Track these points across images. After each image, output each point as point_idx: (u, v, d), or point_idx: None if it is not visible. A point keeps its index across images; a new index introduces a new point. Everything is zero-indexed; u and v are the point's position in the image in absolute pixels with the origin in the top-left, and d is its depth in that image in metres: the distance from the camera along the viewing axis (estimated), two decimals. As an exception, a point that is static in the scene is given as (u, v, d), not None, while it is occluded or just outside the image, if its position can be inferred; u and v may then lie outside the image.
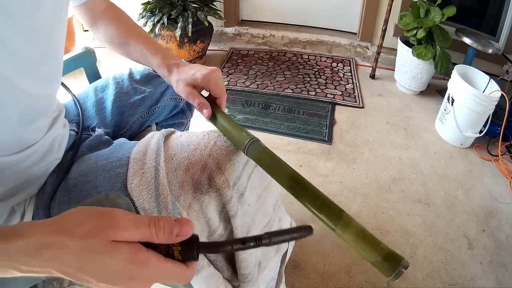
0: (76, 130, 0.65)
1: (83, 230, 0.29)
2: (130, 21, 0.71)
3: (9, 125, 0.46)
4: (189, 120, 0.92)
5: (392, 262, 0.41)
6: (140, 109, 0.75)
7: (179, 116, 0.88)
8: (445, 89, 1.59)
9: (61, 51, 0.56)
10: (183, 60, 0.68)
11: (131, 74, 0.76)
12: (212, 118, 0.60)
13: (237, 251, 0.36)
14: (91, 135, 0.66)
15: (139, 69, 0.78)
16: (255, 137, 0.54)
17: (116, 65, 2.15)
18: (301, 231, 0.34)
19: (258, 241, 0.33)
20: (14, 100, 0.45)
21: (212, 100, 0.61)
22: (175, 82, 0.63)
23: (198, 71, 0.60)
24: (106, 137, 0.67)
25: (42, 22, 0.46)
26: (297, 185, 0.47)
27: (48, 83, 0.53)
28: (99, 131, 0.67)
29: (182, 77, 0.61)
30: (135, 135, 0.80)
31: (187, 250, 0.32)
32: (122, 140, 0.64)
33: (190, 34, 1.84)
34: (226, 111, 0.64)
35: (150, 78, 0.76)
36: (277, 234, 0.33)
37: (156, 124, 0.89)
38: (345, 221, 0.43)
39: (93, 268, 0.30)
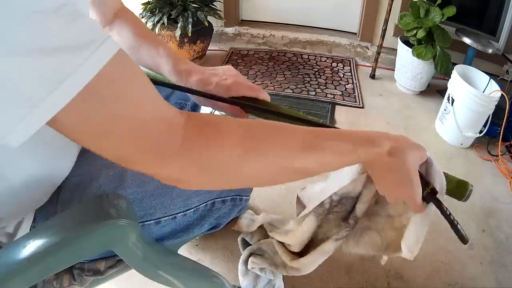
0: None
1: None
2: (143, 25, 0.67)
3: None
4: None
5: (462, 188, 0.55)
6: None
7: None
8: (445, 89, 1.59)
9: None
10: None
11: None
12: (256, 114, 0.57)
13: (447, 220, 0.50)
14: None
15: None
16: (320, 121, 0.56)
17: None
18: (465, 238, 0.50)
19: (455, 221, 0.50)
20: None
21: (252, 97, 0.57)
22: (196, 97, 0.58)
23: (222, 79, 0.55)
24: None
25: None
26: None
27: None
28: None
29: (206, 89, 0.56)
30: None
31: (431, 194, 0.49)
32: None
33: (190, 34, 1.84)
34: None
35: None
36: (460, 227, 0.49)
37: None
38: None
39: (409, 162, 0.45)
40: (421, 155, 0.48)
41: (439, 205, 0.49)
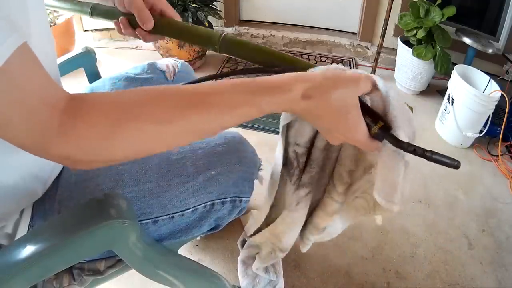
0: None
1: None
2: None
3: None
4: None
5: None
6: None
7: None
8: (445, 89, 1.59)
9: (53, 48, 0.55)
10: None
11: (127, 75, 0.76)
12: (165, 30, 0.57)
13: (414, 154, 0.40)
14: None
15: (135, 70, 0.78)
16: (224, 32, 0.55)
17: (116, 65, 2.15)
18: (452, 161, 0.40)
19: (425, 152, 0.40)
20: None
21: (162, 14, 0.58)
22: (139, 33, 0.59)
23: None
24: None
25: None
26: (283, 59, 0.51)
27: None
28: None
29: None
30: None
31: (383, 130, 0.41)
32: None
33: (190, 34, 1.83)
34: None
35: (147, 79, 0.76)
36: (437, 153, 0.40)
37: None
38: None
39: (337, 95, 0.39)
40: (359, 86, 0.40)
41: (396, 142, 0.40)
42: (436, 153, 0.39)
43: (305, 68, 0.48)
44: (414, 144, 0.40)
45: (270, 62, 0.51)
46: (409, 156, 0.42)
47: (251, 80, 0.38)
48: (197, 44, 0.57)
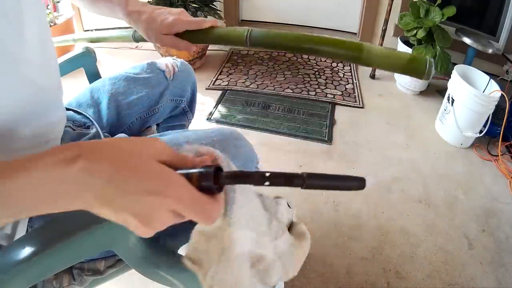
0: (73, 128, 0.65)
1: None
2: None
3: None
4: (190, 122, 0.92)
5: (419, 63, 0.47)
6: (137, 109, 0.75)
7: (180, 118, 0.88)
8: (445, 89, 1.59)
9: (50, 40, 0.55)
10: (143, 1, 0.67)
11: (127, 75, 0.76)
12: (202, 39, 0.61)
13: (260, 185, 0.31)
14: (89, 132, 0.65)
15: (135, 70, 0.78)
16: (250, 28, 0.57)
17: (116, 65, 2.15)
18: (353, 181, 0.30)
19: (289, 179, 0.30)
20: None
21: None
22: (143, 32, 0.62)
23: (165, 19, 0.59)
24: (106, 134, 0.67)
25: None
26: (312, 42, 0.53)
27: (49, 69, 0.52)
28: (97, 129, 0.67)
29: (151, 27, 0.60)
30: (136, 135, 0.80)
31: (206, 176, 0.31)
32: (122, 136, 0.64)
33: (190, 34, 1.84)
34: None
35: (147, 79, 0.76)
36: (317, 176, 0.30)
37: (157, 125, 0.89)
38: (367, 47, 0.49)
39: (126, 176, 0.28)
40: (147, 144, 0.31)
41: (244, 179, 0.31)
42: (312, 175, 0.30)
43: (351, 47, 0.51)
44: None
45: (307, 47, 0.54)
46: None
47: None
48: (229, 45, 0.61)
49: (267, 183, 0.30)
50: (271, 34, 0.56)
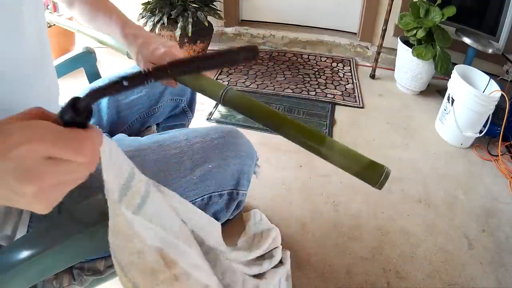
0: None
1: None
2: None
3: None
4: (190, 121, 0.92)
5: (374, 172, 0.45)
6: (137, 109, 0.75)
7: (180, 117, 0.88)
8: (445, 89, 1.59)
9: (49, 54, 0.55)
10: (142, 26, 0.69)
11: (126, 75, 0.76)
12: (183, 81, 0.61)
13: (123, 90, 0.29)
14: None
15: (135, 70, 0.78)
16: (229, 86, 0.57)
17: (116, 65, 2.15)
18: (238, 54, 0.29)
19: (140, 78, 0.28)
20: None
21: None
22: (134, 55, 0.63)
23: (156, 48, 0.61)
24: (106, 134, 0.67)
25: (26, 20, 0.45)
26: (278, 120, 0.52)
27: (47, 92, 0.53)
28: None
29: (142, 52, 0.62)
30: (136, 136, 0.80)
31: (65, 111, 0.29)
32: (121, 136, 0.64)
33: (190, 34, 1.84)
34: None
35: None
36: (183, 62, 0.28)
37: (157, 125, 0.89)
38: (328, 142, 0.48)
39: None
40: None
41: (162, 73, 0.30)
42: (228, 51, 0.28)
43: (317, 139, 0.49)
44: None
45: (273, 124, 0.52)
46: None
47: None
48: (205, 95, 0.62)
49: (125, 83, 0.29)
50: (245, 102, 0.55)
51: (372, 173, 0.45)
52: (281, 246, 0.90)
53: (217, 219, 0.67)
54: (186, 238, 0.47)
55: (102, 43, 0.80)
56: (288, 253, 0.96)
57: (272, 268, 0.83)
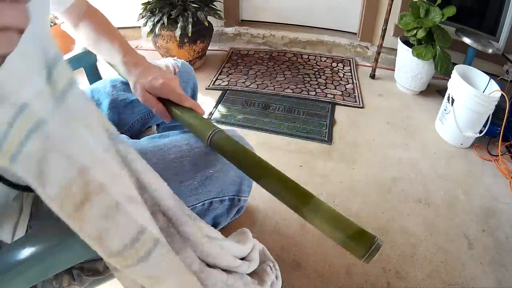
0: None
1: None
2: (105, 22, 0.72)
3: None
4: None
5: (363, 242, 0.38)
6: (138, 110, 0.75)
7: None
8: (445, 89, 1.59)
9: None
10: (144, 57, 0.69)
11: None
12: (176, 117, 0.61)
13: None
14: None
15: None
16: (218, 129, 0.57)
17: (116, 65, 2.15)
18: None
19: None
20: None
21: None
22: (132, 83, 0.63)
23: (155, 78, 0.61)
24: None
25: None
26: (261, 170, 0.49)
27: None
28: None
29: (140, 81, 0.62)
30: (136, 136, 0.80)
31: None
32: (123, 138, 0.64)
33: (190, 34, 1.84)
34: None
35: None
36: None
37: (158, 125, 0.89)
38: (314, 203, 0.44)
39: None
40: None
41: None
42: None
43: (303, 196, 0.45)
44: None
45: (255, 173, 0.49)
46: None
47: None
48: (193, 133, 0.61)
49: None
50: (231, 146, 0.54)
51: (360, 244, 0.39)
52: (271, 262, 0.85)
53: (217, 223, 0.67)
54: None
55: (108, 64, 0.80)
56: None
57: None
